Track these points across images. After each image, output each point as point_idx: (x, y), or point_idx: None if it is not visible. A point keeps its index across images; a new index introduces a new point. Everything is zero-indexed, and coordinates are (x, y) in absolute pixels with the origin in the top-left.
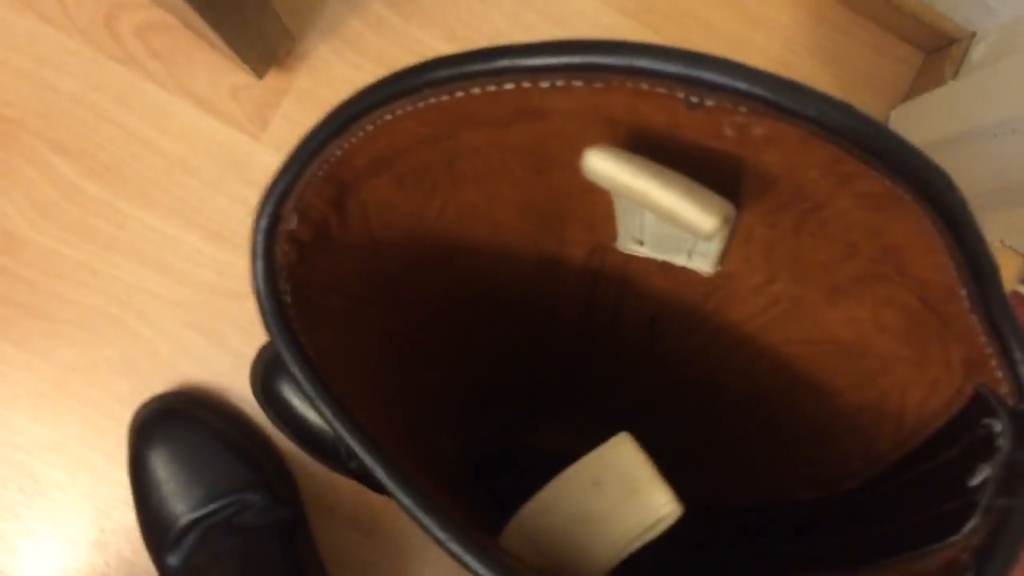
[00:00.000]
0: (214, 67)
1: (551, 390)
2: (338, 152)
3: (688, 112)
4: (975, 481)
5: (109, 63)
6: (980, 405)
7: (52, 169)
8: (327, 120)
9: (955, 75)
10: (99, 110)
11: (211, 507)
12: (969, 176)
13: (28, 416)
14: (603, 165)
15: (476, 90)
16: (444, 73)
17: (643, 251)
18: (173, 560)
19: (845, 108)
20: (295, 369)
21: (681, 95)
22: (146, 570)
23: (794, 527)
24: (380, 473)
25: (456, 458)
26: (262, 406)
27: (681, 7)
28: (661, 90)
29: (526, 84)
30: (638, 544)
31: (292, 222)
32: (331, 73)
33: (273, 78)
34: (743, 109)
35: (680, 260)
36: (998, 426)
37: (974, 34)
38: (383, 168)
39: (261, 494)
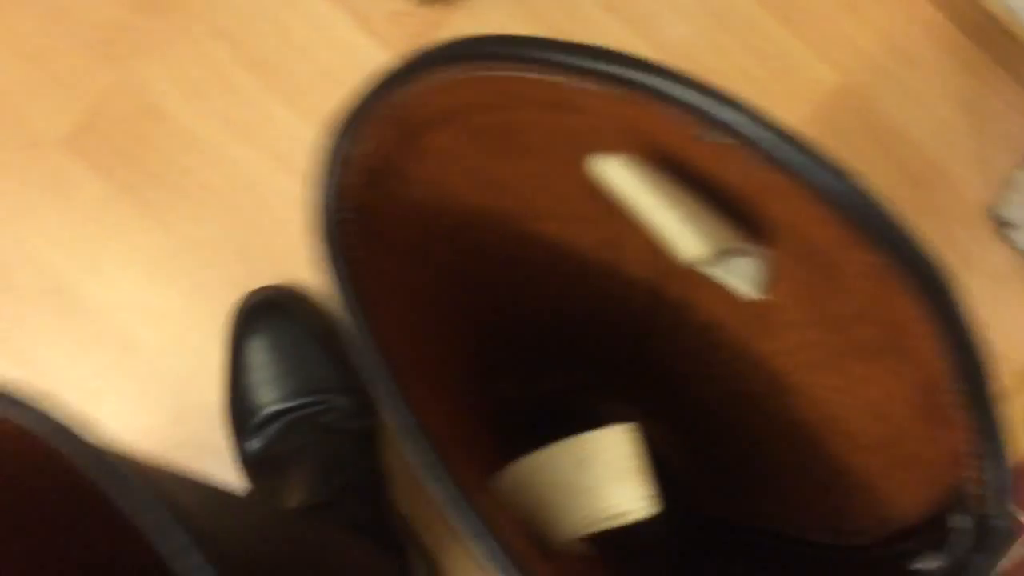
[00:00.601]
0: None
1: (621, 369)
2: (404, 98)
3: (693, 142)
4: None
5: None
6: (954, 499)
7: (208, 52)
8: (393, 70)
9: None
10: (263, 5)
11: (300, 400)
12: None
13: (138, 281)
14: (615, 173)
15: (519, 73)
16: (489, 49)
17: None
18: (254, 444)
19: (839, 173)
20: (333, 278)
21: (689, 124)
22: (216, 451)
23: (792, 567)
24: (386, 395)
25: (516, 405)
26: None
27: (832, 21)
28: (672, 113)
29: (559, 79)
30: (605, 526)
31: (361, 148)
32: (487, 16)
33: (431, 10)
34: (743, 153)
35: (717, 274)
36: (963, 524)
37: None
38: (449, 122)
39: (349, 399)
